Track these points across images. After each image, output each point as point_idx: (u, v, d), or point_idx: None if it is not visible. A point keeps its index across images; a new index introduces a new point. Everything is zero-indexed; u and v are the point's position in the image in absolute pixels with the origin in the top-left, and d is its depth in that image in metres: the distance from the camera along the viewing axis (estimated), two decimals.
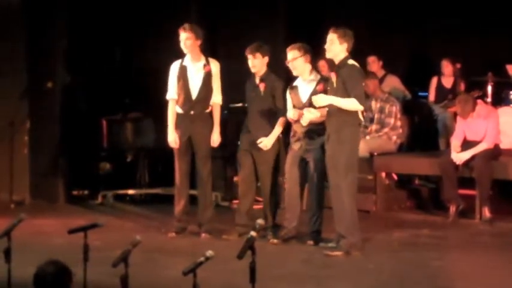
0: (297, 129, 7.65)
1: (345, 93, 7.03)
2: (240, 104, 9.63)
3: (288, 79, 8.24)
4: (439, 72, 10.69)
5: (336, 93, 7.09)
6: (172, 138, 8.02)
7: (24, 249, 6.10)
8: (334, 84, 7.11)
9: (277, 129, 7.85)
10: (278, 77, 8.05)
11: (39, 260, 4.06)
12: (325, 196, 7.65)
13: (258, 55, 7.83)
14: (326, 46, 7.16)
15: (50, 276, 3.89)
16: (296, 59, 7.58)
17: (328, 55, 7.23)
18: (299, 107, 7.65)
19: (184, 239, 7.97)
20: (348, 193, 7.10)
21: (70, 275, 3.95)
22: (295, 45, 7.62)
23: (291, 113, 7.67)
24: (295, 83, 7.77)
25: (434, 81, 10.74)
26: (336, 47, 7.10)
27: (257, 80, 7.93)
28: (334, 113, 7.09)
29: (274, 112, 7.87)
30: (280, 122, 7.85)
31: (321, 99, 7.12)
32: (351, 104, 7.01)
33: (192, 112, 7.98)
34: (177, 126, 8.02)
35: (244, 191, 8.05)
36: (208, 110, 8.03)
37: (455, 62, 10.52)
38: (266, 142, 7.79)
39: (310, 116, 7.41)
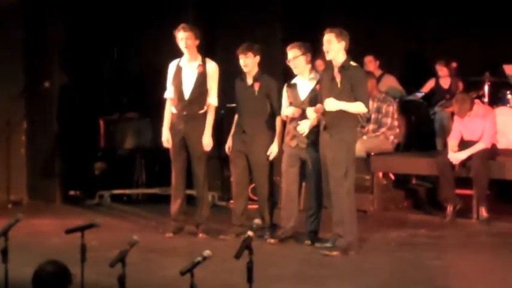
0: (292, 127, 7.64)
1: (350, 95, 7.04)
2: None
3: (284, 79, 8.23)
4: (436, 74, 10.70)
5: (340, 94, 7.08)
6: (165, 137, 8.03)
7: (21, 249, 6.09)
8: (339, 85, 7.10)
9: (278, 132, 7.83)
10: (274, 77, 8.04)
11: (37, 260, 4.06)
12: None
13: (250, 54, 7.82)
14: (324, 48, 7.15)
15: (48, 276, 3.89)
16: (297, 58, 7.58)
17: (328, 57, 7.20)
18: (296, 105, 7.64)
19: (181, 239, 7.97)
20: (348, 193, 7.11)
21: (69, 276, 3.95)
22: (296, 44, 7.61)
23: (289, 111, 7.66)
24: (293, 81, 7.76)
25: (431, 82, 10.75)
26: (334, 45, 7.10)
27: (249, 80, 7.92)
28: (334, 114, 7.09)
29: (268, 112, 7.86)
30: (279, 123, 7.84)
31: (332, 104, 7.10)
32: (357, 108, 7.05)
33: (185, 112, 7.97)
34: (171, 126, 8.02)
35: (238, 192, 8.04)
36: (203, 111, 7.99)
37: (451, 61, 10.53)
38: (273, 151, 7.79)
39: (306, 125, 7.40)
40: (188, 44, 7.90)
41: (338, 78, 7.12)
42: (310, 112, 7.35)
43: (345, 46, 7.13)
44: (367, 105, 7.11)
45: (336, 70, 7.15)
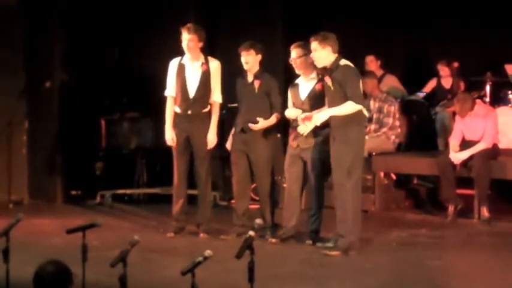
0: (294, 128, 7.64)
1: (343, 96, 7.02)
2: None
3: (286, 79, 8.22)
4: (438, 74, 10.70)
5: (333, 96, 7.07)
6: (169, 136, 8.01)
7: (22, 249, 6.09)
8: (331, 88, 7.09)
9: (270, 120, 7.80)
10: (275, 76, 8.05)
11: (38, 260, 4.06)
12: (325, 196, 7.64)
13: (252, 51, 7.83)
14: (312, 56, 7.16)
15: (49, 276, 3.89)
16: (299, 57, 7.57)
17: (317, 65, 7.21)
18: (297, 105, 7.64)
19: (182, 239, 7.96)
20: (353, 192, 7.09)
21: (70, 276, 3.95)
22: (300, 44, 7.60)
23: (288, 113, 7.66)
24: (296, 81, 7.76)
25: (433, 82, 10.74)
26: (320, 53, 7.08)
27: (250, 78, 7.92)
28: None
29: (268, 110, 7.85)
30: (274, 116, 7.83)
31: (320, 117, 7.09)
32: (348, 108, 6.99)
33: (189, 112, 7.96)
34: (175, 125, 8.01)
35: (240, 192, 8.04)
36: (206, 110, 8.00)
37: (452, 61, 10.52)
38: (257, 126, 7.75)
39: (307, 126, 7.38)
40: (190, 46, 7.90)
41: (329, 82, 7.11)
42: (303, 127, 7.34)
43: (332, 50, 7.08)
44: (359, 102, 7.03)
45: (327, 73, 7.14)
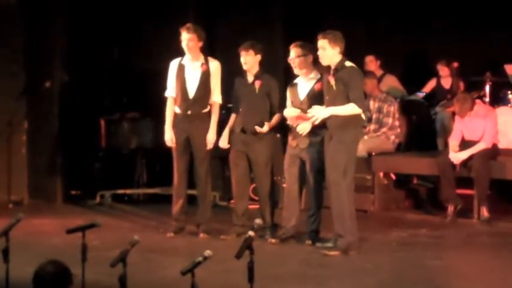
0: (293, 127, 7.63)
1: (346, 97, 7.01)
2: None
3: (285, 79, 8.22)
4: (437, 74, 10.70)
5: (336, 96, 7.06)
6: (169, 136, 8.01)
7: (22, 249, 6.09)
8: (334, 88, 7.08)
9: (273, 121, 7.80)
10: (274, 76, 8.05)
11: (38, 260, 4.06)
12: (324, 196, 7.64)
13: (251, 52, 7.82)
14: (319, 53, 7.14)
15: (49, 276, 3.89)
16: (297, 58, 7.57)
17: (323, 63, 7.17)
18: (296, 105, 7.64)
19: (182, 239, 7.97)
20: (347, 192, 7.10)
21: (70, 276, 3.95)
22: (299, 44, 7.60)
23: (290, 111, 7.65)
24: (295, 81, 7.76)
25: (432, 82, 10.75)
26: (329, 52, 7.06)
27: (250, 78, 7.91)
28: (335, 115, 7.07)
29: (268, 110, 7.85)
30: (276, 117, 7.83)
31: (321, 113, 7.09)
32: (349, 109, 6.99)
33: (189, 112, 7.97)
34: (175, 125, 8.01)
35: (239, 193, 8.03)
36: (206, 110, 8.01)
37: (452, 61, 10.53)
38: (263, 129, 7.75)
39: (306, 126, 7.37)
40: (190, 45, 7.90)
41: (332, 81, 7.10)
42: (302, 126, 7.36)
43: (340, 50, 7.08)
44: (360, 105, 7.04)
45: (330, 73, 7.13)
